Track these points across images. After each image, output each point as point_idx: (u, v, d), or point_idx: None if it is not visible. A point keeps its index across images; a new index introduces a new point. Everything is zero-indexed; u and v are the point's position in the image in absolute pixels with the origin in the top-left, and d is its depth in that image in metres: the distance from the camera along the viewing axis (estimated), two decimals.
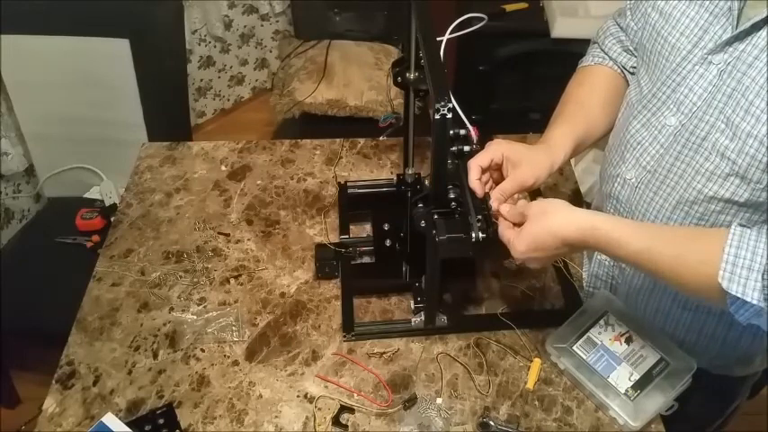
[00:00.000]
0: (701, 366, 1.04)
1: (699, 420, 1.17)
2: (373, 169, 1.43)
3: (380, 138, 1.54)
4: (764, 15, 0.78)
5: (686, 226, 0.92)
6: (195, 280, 1.20)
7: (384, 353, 1.09)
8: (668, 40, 0.90)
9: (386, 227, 1.23)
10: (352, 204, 1.30)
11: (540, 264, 0.90)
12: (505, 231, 0.90)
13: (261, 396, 1.03)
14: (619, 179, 1.00)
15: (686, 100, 0.88)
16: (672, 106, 0.90)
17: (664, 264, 0.80)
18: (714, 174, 0.86)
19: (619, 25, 1.07)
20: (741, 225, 0.77)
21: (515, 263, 0.98)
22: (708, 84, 0.85)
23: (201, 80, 2.74)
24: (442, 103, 0.82)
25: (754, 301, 0.73)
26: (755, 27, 0.79)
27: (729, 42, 0.82)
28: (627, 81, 1.07)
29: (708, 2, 0.86)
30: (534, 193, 1.32)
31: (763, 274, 0.73)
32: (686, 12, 0.88)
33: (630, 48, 1.05)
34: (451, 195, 0.95)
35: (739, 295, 0.74)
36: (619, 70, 1.08)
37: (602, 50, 1.09)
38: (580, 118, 1.04)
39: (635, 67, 1.04)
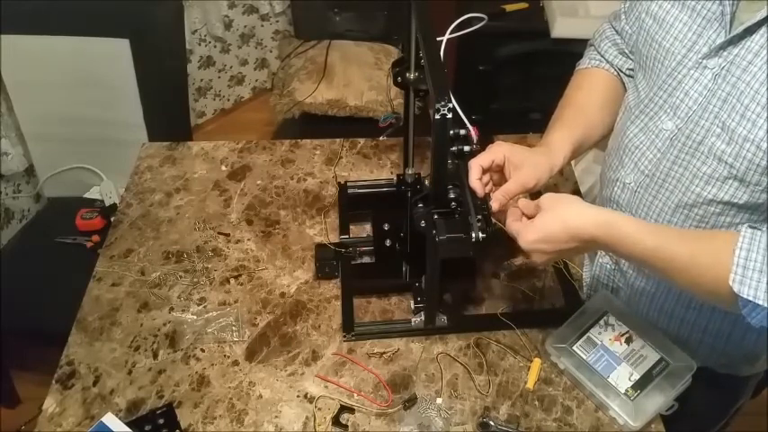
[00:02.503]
0: (707, 365, 1.05)
1: (703, 420, 1.17)
2: (373, 169, 1.43)
3: (380, 138, 1.54)
4: (757, 19, 0.77)
5: (693, 229, 0.92)
6: (195, 280, 1.20)
7: (384, 353, 1.09)
8: (663, 44, 0.90)
9: (386, 227, 1.23)
10: (352, 204, 1.30)
11: (546, 258, 0.88)
12: (513, 223, 0.90)
13: (261, 396, 1.03)
14: (618, 183, 1.00)
15: (682, 104, 0.88)
16: (668, 110, 0.90)
17: (676, 264, 0.80)
18: (712, 177, 0.85)
19: (614, 28, 1.07)
20: (751, 227, 0.76)
21: (519, 258, 0.98)
22: (703, 88, 0.85)
23: (201, 80, 2.74)
24: (442, 103, 0.82)
25: (766, 304, 0.73)
26: (748, 31, 0.79)
27: (723, 47, 0.82)
28: (623, 83, 1.07)
29: (700, 6, 0.85)
30: (535, 194, 1.32)
31: None
32: (679, 17, 0.88)
33: (626, 51, 1.05)
34: (451, 195, 0.95)
35: (750, 298, 0.74)
36: (615, 73, 1.08)
37: (599, 53, 1.09)
38: (579, 121, 1.04)
39: (631, 69, 1.05)
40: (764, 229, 0.76)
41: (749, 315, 0.76)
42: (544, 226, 0.86)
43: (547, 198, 0.88)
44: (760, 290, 0.74)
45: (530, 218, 0.91)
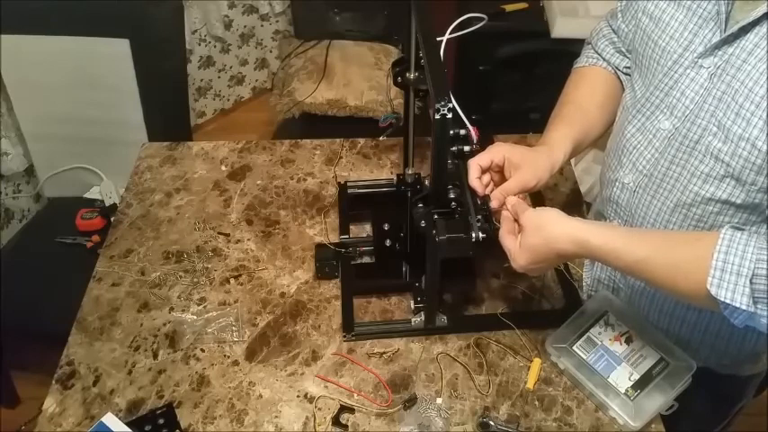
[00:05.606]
0: (708, 366, 1.05)
1: (703, 420, 1.17)
2: (373, 169, 1.43)
3: (380, 138, 1.54)
4: (751, 19, 0.78)
5: (682, 230, 0.92)
6: (195, 280, 1.20)
7: (384, 353, 1.09)
8: (659, 44, 0.90)
9: (386, 227, 1.23)
10: (352, 204, 1.30)
11: (541, 272, 0.92)
12: (506, 238, 0.90)
13: (261, 396, 1.03)
14: (617, 183, 1.01)
15: (679, 104, 0.88)
16: (665, 110, 0.90)
17: (658, 274, 0.81)
18: (710, 176, 0.86)
19: (611, 27, 1.07)
20: (734, 227, 0.77)
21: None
22: (699, 87, 0.85)
23: (201, 80, 2.74)
24: (442, 103, 0.82)
25: (743, 307, 0.74)
26: (743, 30, 0.79)
27: (718, 46, 0.82)
28: (621, 81, 1.08)
29: (696, 5, 0.85)
30: (534, 193, 1.32)
31: (751, 280, 0.73)
32: (675, 15, 0.88)
33: (623, 49, 1.06)
34: (451, 195, 0.95)
35: (728, 301, 0.74)
36: (613, 71, 1.08)
37: (596, 52, 1.10)
38: (578, 119, 1.05)
39: (629, 68, 1.05)
40: (754, 228, 0.76)
41: (731, 316, 0.77)
42: (531, 249, 0.87)
43: (530, 217, 0.88)
44: (737, 292, 0.74)
45: (520, 224, 0.91)
